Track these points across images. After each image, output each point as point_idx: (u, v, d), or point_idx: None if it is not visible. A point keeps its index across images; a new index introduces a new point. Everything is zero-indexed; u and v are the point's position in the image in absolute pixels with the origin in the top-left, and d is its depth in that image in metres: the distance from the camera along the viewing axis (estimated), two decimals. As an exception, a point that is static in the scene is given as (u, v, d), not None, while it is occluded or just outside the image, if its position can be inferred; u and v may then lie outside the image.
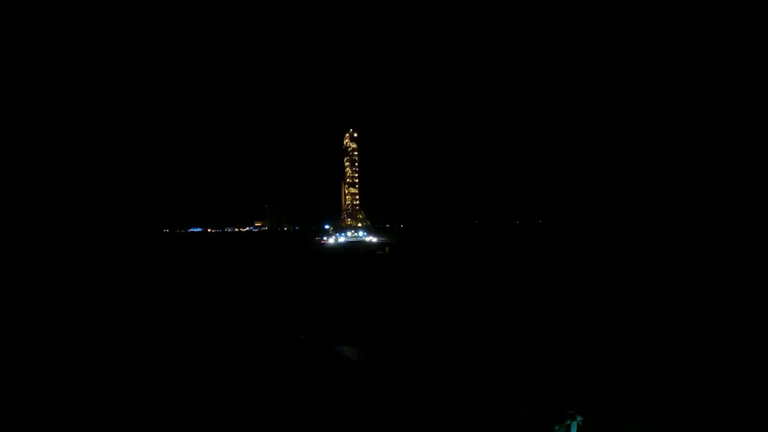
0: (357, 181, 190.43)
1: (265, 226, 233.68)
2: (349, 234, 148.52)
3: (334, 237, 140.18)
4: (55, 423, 12.21)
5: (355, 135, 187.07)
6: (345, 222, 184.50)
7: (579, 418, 9.71)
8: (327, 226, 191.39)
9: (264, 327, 23.20)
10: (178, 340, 20.61)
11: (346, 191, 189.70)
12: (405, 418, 11.72)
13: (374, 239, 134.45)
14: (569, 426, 9.61)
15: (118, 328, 23.15)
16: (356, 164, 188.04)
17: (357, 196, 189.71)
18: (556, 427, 9.57)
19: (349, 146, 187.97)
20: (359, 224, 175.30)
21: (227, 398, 13.38)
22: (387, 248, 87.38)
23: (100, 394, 13.92)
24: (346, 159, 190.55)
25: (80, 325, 23.89)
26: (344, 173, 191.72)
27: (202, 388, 14.37)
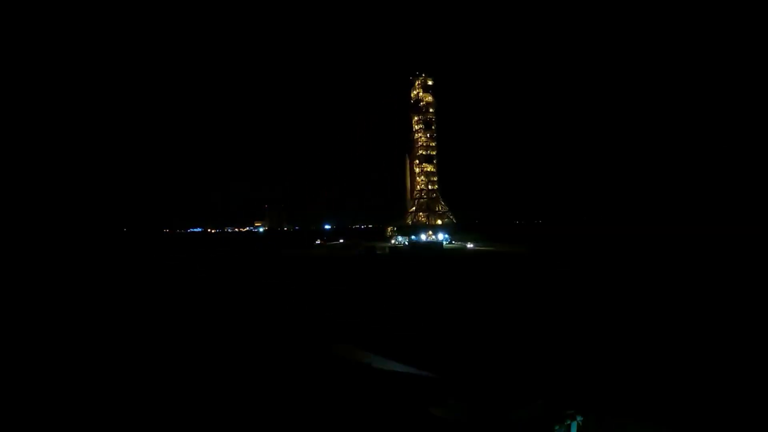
0: (435, 153, 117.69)
1: (265, 226, 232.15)
2: (423, 236, 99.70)
3: (395, 240, 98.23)
4: (56, 423, 12.21)
5: (429, 83, 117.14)
6: (417, 217, 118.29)
7: (579, 418, 9.74)
8: (328, 227, 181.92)
9: (264, 327, 23.21)
10: (178, 341, 20.62)
11: (417, 169, 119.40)
12: (405, 417, 11.72)
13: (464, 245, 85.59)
14: (569, 426, 9.64)
15: (118, 328, 23.15)
16: (433, 127, 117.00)
17: (435, 178, 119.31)
18: (556, 427, 9.59)
19: (423, 99, 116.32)
20: (438, 221, 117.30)
21: (227, 398, 13.39)
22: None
23: (100, 394, 13.92)
24: (416, 119, 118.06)
25: (81, 325, 23.90)
26: (413, 142, 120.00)
27: (203, 387, 14.37)
